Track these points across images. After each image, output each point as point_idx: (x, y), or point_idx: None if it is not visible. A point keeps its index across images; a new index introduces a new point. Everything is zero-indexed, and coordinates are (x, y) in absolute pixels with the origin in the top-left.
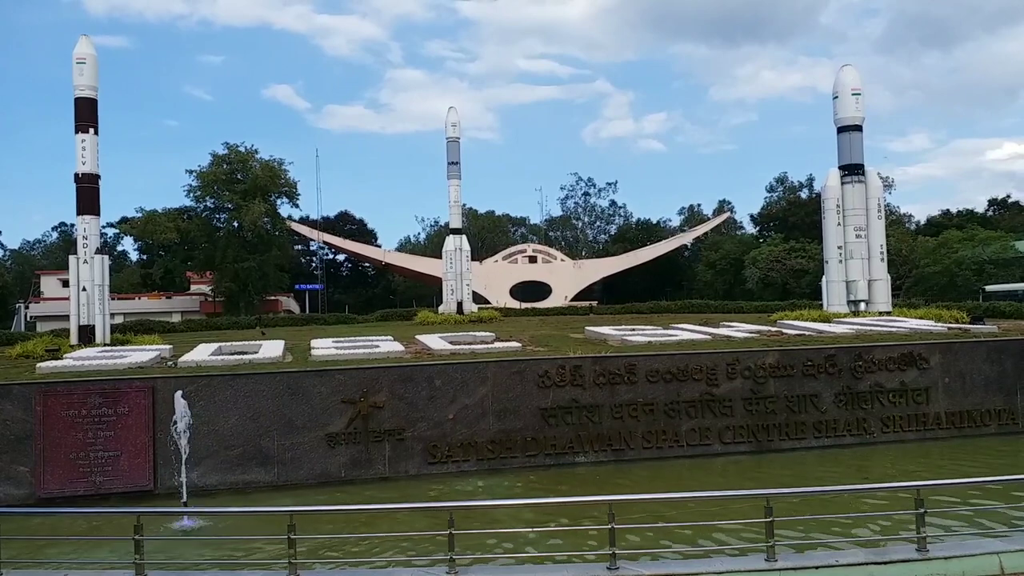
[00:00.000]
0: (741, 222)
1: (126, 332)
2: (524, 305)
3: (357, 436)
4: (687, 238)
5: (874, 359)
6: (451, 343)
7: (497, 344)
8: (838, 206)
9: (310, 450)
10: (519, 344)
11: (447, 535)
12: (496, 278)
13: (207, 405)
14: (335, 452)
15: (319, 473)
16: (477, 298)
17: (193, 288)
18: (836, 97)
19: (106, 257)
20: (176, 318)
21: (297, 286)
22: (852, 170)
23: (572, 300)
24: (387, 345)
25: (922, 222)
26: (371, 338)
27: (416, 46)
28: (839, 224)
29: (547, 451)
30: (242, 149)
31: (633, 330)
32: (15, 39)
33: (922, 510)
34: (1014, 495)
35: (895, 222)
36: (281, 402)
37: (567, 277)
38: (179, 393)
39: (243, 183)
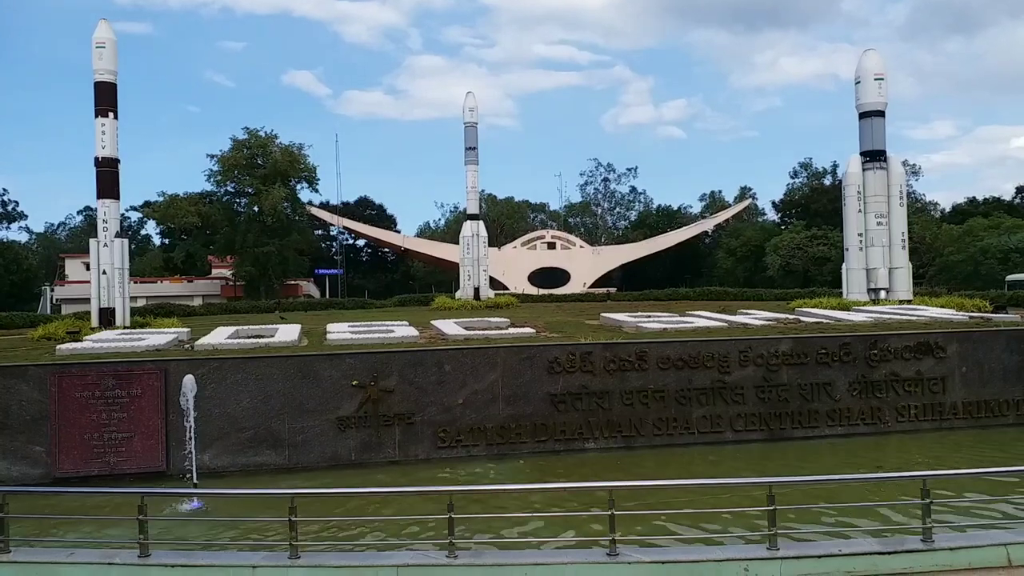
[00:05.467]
0: (764, 209)
1: (146, 316)
2: (542, 291)
3: (367, 420)
4: (708, 224)
5: (890, 348)
6: (465, 328)
7: (511, 330)
8: (859, 192)
9: (321, 433)
10: (533, 330)
11: (447, 519)
12: (514, 264)
13: (219, 387)
14: (345, 435)
15: (329, 456)
16: (495, 284)
17: (215, 272)
18: (858, 82)
19: (126, 241)
20: (197, 302)
21: (317, 271)
22: (874, 156)
23: (591, 287)
24: (402, 330)
25: (947, 210)
26: (386, 323)
27: (435, 32)
28: (860, 211)
29: (556, 437)
30: (262, 134)
31: (649, 316)
32: (42, 24)
33: (928, 500)
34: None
35: (920, 210)
36: (292, 385)
37: (586, 263)
38: (189, 377)
39: (263, 168)
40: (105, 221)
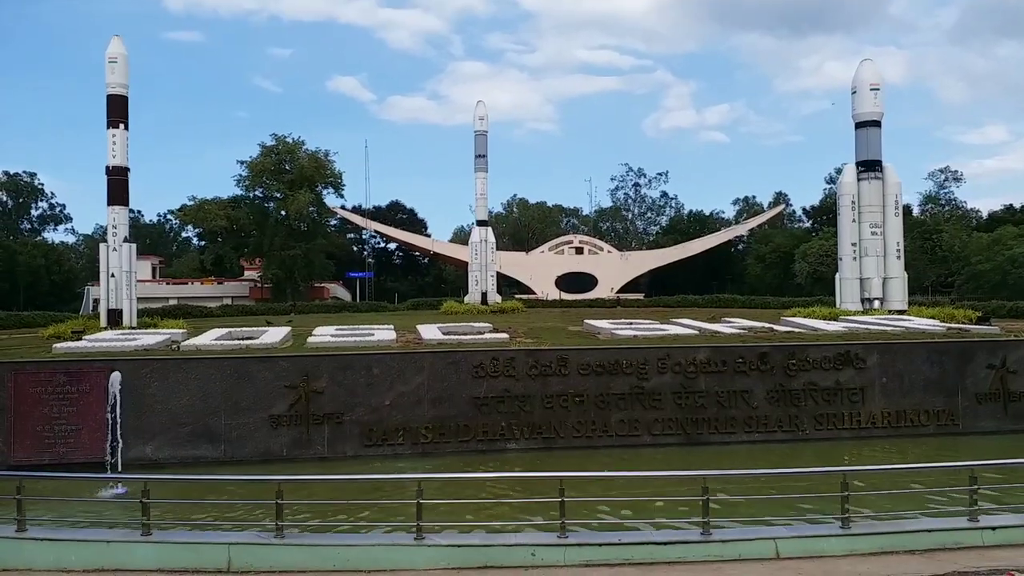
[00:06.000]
0: (800, 215)
1: (164, 317)
2: (571, 296)
3: (298, 418)
4: (740, 230)
5: (808, 358)
6: (444, 333)
7: (488, 335)
8: (853, 203)
9: (255, 430)
10: (507, 335)
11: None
12: (542, 269)
13: (161, 386)
14: (277, 433)
15: (262, 451)
16: (523, 288)
17: (246, 274)
18: (854, 92)
19: (134, 245)
20: (227, 303)
21: (348, 273)
22: (869, 166)
23: (619, 292)
24: (381, 333)
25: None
26: (371, 326)
27: (476, 39)
28: (854, 221)
29: (479, 437)
30: (289, 140)
31: (630, 323)
32: (99, 30)
33: (706, 497)
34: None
35: (959, 218)
36: (229, 385)
37: (613, 269)
38: (115, 374)
39: (290, 173)
40: (115, 226)
